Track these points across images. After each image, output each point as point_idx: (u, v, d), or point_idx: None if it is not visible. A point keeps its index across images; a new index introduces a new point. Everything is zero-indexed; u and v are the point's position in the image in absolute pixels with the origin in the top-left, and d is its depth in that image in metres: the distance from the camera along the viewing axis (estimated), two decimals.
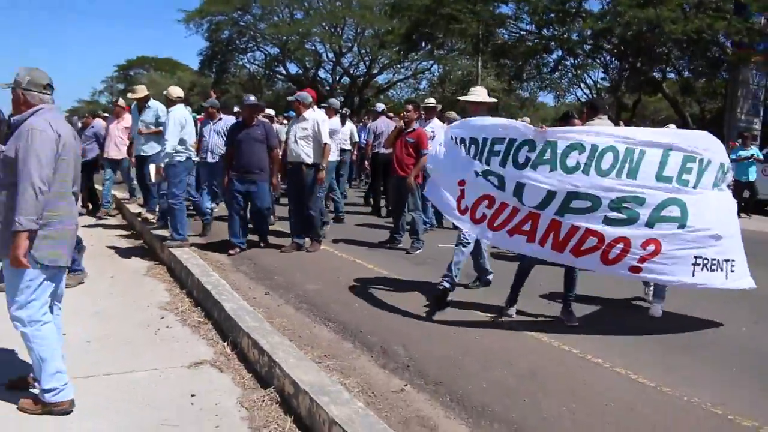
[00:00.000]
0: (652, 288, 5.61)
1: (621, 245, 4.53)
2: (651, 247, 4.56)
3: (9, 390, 3.66)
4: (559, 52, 24.77)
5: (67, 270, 3.69)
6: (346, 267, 6.94)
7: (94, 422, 3.41)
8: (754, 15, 20.05)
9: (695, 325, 5.20)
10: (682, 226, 4.58)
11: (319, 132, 7.30)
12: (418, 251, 7.63)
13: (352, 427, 3.01)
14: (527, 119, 11.83)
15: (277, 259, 7.13)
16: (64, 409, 3.47)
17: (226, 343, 4.60)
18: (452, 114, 8.80)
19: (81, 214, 10.10)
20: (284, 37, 39.15)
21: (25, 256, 3.27)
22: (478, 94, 6.02)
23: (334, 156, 8.71)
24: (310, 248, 7.54)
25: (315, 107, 7.75)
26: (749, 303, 5.66)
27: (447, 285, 5.31)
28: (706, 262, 4.72)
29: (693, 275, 4.68)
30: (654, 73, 24.71)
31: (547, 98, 37.78)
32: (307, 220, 7.50)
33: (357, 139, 13.14)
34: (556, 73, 27.45)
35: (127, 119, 10.38)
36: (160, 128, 8.14)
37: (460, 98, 5.81)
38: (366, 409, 3.28)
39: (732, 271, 4.93)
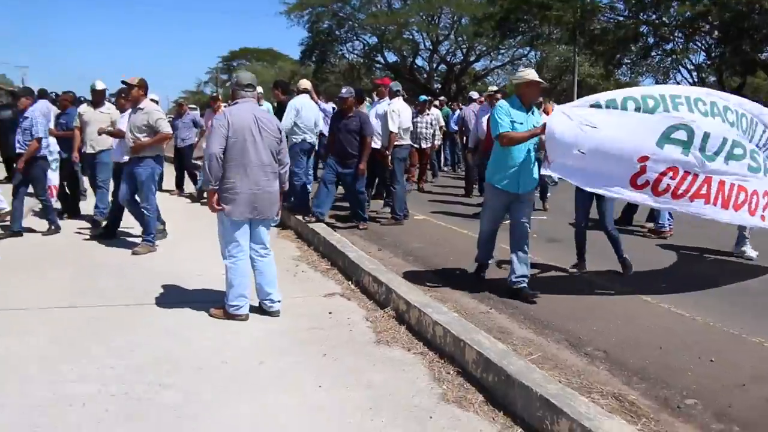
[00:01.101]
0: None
1: (755, 200, 5.50)
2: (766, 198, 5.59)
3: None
4: (652, 39, 24.93)
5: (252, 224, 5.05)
6: (443, 232, 8.23)
7: (268, 324, 4.88)
8: None
9: None
10: None
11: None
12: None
13: (450, 326, 4.30)
14: None
15: (384, 228, 8.48)
16: (241, 318, 4.95)
17: (350, 282, 6.01)
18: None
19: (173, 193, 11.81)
20: (382, 27, 40.61)
21: (217, 208, 4.78)
22: (523, 75, 5.45)
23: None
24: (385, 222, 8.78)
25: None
26: None
27: None
28: None
29: None
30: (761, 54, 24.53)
31: (650, 81, 37.39)
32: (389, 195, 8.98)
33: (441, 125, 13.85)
34: (650, 59, 27.50)
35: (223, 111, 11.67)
36: None
37: (511, 78, 6.17)
38: (460, 317, 4.56)
39: None
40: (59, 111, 9.76)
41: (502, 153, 5.30)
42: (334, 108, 10.73)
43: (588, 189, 5.49)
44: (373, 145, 8.53)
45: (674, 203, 5.36)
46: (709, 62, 28.06)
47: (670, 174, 5.21)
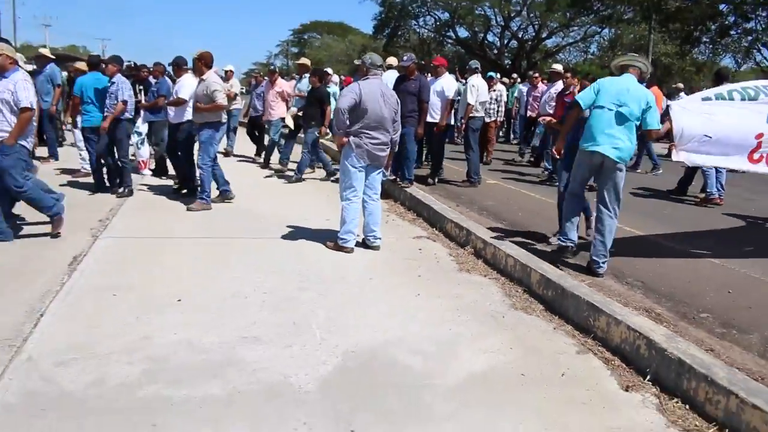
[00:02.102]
0: None
1: None
2: None
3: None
4: (732, 18, 25.06)
5: (361, 171, 6.31)
6: (513, 194, 9.38)
7: (371, 255, 6.19)
8: None
9: None
10: None
11: None
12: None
13: (519, 257, 5.50)
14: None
15: (460, 188, 9.67)
16: (347, 251, 6.24)
17: (434, 228, 7.27)
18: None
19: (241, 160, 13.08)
20: (454, 3, 41.34)
21: (344, 141, 6.13)
22: (626, 57, 6.01)
23: None
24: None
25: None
26: None
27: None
28: None
29: None
30: None
31: (728, 61, 37.02)
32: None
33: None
34: (728, 38, 27.52)
35: (280, 83, 12.09)
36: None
37: (612, 63, 6.42)
38: (527, 252, 5.74)
39: None
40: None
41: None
42: None
43: (715, 166, 6.41)
44: (429, 119, 9.55)
45: None
46: None
47: None
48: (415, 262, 6.03)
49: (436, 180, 10.14)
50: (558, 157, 6.10)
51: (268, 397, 3.34)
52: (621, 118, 5.33)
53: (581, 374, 3.82)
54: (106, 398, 3.24)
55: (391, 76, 10.09)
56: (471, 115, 10.07)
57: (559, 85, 10.81)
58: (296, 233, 6.89)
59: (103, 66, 9.01)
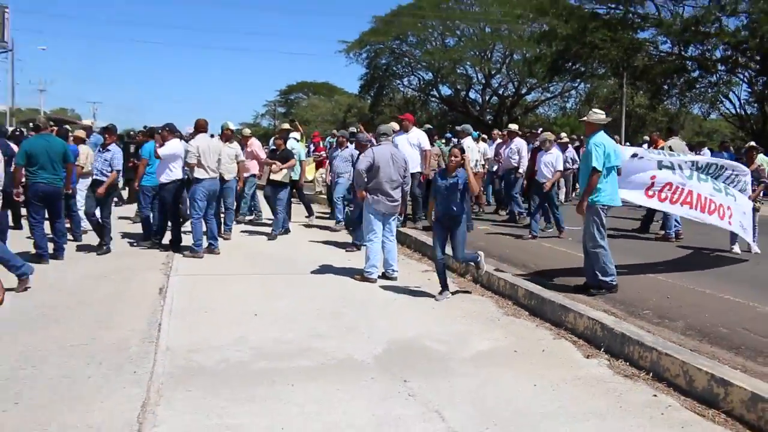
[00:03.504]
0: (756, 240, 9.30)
1: (722, 210, 8.22)
2: (729, 211, 8.28)
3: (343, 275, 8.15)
4: (696, 72, 27.48)
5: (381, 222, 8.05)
6: (501, 236, 11.10)
7: (391, 284, 7.85)
8: None
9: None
10: (736, 203, 8.32)
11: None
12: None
13: (507, 278, 7.18)
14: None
15: None
16: (372, 281, 7.88)
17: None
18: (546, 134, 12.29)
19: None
20: (437, 63, 43.97)
21: (363, 195, 7.80)
22: (597, 115, 7.15)
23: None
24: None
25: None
26: None
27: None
28: (741, 224, 8.41)
29: (741, 230, 8.44)
30: None
31: (695, 110, 39.72)
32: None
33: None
34: (692, 91, 29.95)
35: (251, 144, 12.98)
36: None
37: (584, 119, 7.50)
38: (515, 277, 7.42)
39: (746, 230, 8.58)
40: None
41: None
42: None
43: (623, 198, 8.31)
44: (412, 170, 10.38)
45: (671, 207, 8.28)
46: (750, 93, 30.42)
47: (668, 187, 8.11)
48: (426, 288, 7.70)
49: (419, 221, 11.65)
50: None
51: (342, 366, 4.97)
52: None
53: (556, 350, 5.49)
54: (233, 369, 4.85)
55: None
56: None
57: (516, 142, 12.92)
58: (325, 270, 8.55)
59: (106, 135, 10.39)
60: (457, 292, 7.51)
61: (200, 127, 9.92)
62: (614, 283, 6.94)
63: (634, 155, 8.23)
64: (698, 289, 7.23)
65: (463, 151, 7.07)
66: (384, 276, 8.07)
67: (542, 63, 32.45)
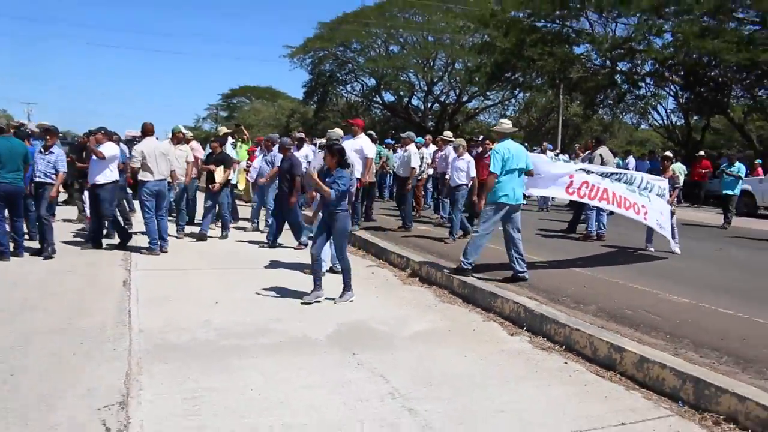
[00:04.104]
0: (675, 240, 10.33)
1: (637, 206, 9.22)
2: (644, 209, 9.28)
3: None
4: (625, 86, 29.12)
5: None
6: (439, 236, 11.96)
7: (339, 277, 8.58)
8: None
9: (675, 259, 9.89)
10: (651, 203, 9.34)
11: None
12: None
13: (444, 271, 8.00)
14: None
15: (397, 232, 12.19)
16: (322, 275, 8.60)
17: (381, 260, 9.76)
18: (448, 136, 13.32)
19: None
20: (381, 70, 44.89)
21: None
22: (504, 126, 8.29)
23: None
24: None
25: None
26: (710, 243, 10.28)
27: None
28: (659, 222, 9.46)
29: (657, 227, 9.45)
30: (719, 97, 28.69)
31: (627, 119, 41.77)
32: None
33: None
34: (622, 104, 31.67)
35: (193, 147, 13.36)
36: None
37: (494, 128, 8.57)
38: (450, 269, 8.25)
39: (664, 229, 9.64)
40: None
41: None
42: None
43: (545, 195, 9.37)
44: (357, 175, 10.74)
45: (590, 201, 9.38)
46: (676, 106, 32.33)
47: (586, 185, 9.05)
48: (370, 280, 8.48)
49: (356, 225, 12.06)
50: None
51: (298, 342, 5.69)
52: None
53: (485, 330, 6.33)
54: (202, 346, 5.50)
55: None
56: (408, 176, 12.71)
57: (448, 149, 13.49)
58: (276, 265, 9.24)
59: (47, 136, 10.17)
60: (400, 281, 8.32)
61: (147, 131, 10.42)
62: (466, 266, 7.94)
63: (554, 160, 9.31)
64: (612, 280, 8.20)
65: (342, 153, 7.38)
66: (331, 270, 8.78)
67: (482, 72, 33.66)
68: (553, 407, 4.45)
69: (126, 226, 11.07)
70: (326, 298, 7.29)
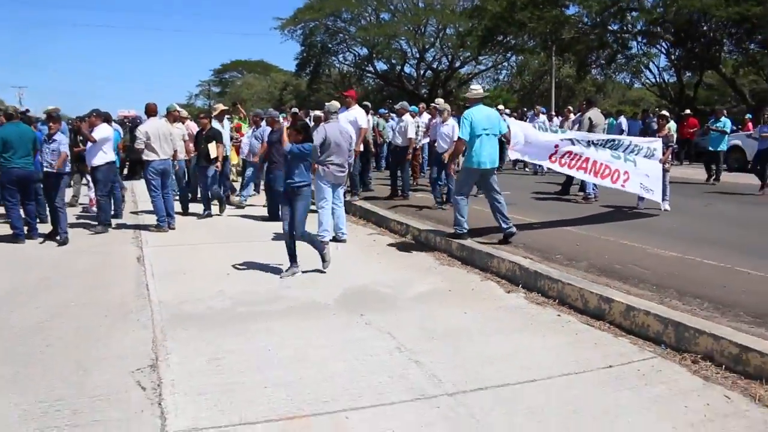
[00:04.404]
0: (666, 199, 10.70)
1: (617, 174, 9.59)
2: (626, 175, 9.63)
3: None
4: (615, 46, 29.30)
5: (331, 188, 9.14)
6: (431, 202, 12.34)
7: (342, 245, 8.97)
8: None
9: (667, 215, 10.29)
10: (636, 168, 9.67)
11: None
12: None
13: (443, 236, 8.40)
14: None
15: (395, 200, 12.57)
16: (326, 243, 8.92)
17: (381, 227, 10.16)
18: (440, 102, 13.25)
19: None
20: (372, 39, 44.86)
21: (316, 168, 8.83)
22: (474, 91, 8.63)
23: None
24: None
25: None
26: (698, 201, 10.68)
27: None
28: (643, 185, 9.80)
29: (643, 190, 9.78)
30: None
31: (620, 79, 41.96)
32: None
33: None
34: (611, 64, 31.86)
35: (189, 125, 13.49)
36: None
37: (465, 95, 8.97)
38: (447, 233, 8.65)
39: (652, 191, 9.97)
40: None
41: None
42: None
43: (527, 160, 9.67)
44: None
45: (568, 171, 9.67)
46: (668, 63, 32.52)
47: (569, 155, 9.37)
48: (372, 247, 8.88)
49: (356, 196, 12.61)
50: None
51: (308, 307, 6.10)
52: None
53: (483, 289, 6.75)
54: (218, 314, 5.91)
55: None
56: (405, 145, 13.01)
57: (445, 117, 13.74)
58: (279, 237, 9.56)
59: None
60: (401, 246, 8.74)
61: (151, 111, 10.76)
62: (461, 232, 8.35)
63: (541, 128, 9.63)
64: (603, 237, 8.60)
65: (306, 129, 7.47)
66: (335, 239, 9.17)
67: (473, 36, 33.77)
68: (547, 354, 4.88)
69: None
70: (317, 270, 7.61)
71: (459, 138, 8.29)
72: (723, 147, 15.65)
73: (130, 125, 18.99)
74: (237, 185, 14.60)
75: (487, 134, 8.20)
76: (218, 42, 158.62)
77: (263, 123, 12.26)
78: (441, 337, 5.25)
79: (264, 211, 11.82)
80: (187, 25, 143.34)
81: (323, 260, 7.58)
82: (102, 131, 10.27)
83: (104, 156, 10.30)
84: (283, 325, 5.57)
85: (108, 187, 10.53)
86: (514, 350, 4.96)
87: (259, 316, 5.84)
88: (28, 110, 13.61)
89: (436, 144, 12.28)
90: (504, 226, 8.27)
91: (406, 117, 13.28)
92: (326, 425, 3.76)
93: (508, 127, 9.06)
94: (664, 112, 12.81)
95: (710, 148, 15.89)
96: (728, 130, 15.81)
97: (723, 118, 15.60)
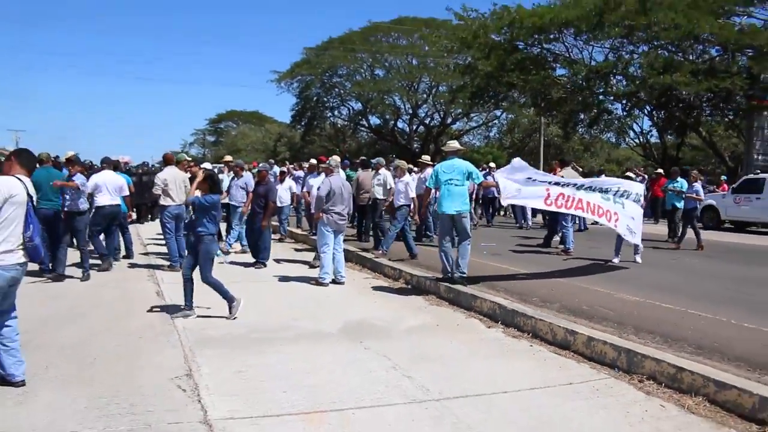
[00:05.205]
0: (638, 252, 11.77)
1: (609, 214, 10.60)
2: (616, 216, 10.67)
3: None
4: (595, 111, 30.99)
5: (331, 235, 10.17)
6: (427, 251, 13.36)
7: (341, 287, 9.96)
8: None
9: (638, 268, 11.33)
10: (624, 210, 10.71)
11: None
12: None
13: (430, 279, 9.42)
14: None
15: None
16: (325, 285, 9.94)
17: (376, 272, 11.15)
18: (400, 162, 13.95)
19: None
20: (367, 94, 46.61)
21: (319, 216, 9.90)
22: (450, 145, 10.00)
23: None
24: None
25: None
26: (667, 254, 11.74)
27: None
28: (629, 228, 10.85)
29: (628, 232, 10.82)
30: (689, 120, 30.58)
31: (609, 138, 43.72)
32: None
33: None
34: (593, 127, 33.52)
35: None
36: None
37: (442, 148, 10.42)
38: (438, 279, 9.66)
39: (635, 234, 11.03)
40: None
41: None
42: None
43: (524, 205, 10.62)
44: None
45: (567, 210, 10.64)
46: (651, 126, 34.20)
47: (562, 197, 10.33)
48: (368, 289, 9.90)
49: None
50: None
51: (314, 335, 7.08)
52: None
53: (466, 324, 7.76)
54: (237, 339, 6.87)
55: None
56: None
57: (427, 172, 14.19)
58: (285, 279, 10.62)
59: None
60: (394, 289, 9.75)
61: (169, 160, 11.91)
62: (448, 276, 9.38)
63: (529, 178, 10.59)
64: (576, 284, 9.65)
65: (213, 179, 7.97)
66: (334, 281, 10.15)
67: (464, 93, 35.40)
68: (518, 374, 5.87)
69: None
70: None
71: (426, 187, 9.69)
72: (680, 204, 15.87)
73: (140, 172, 20.16)
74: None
75: (452, 183, 9.26)
76: (214, 93, 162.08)
77: (245, 173, 13.58)
78: (429, 360, 6.22)
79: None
80: (184, 74, 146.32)
81: (229, 310, 7.72)
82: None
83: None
84: (294, 347, 6.54)
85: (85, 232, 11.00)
86: (490, 371, 5.95)
87: (273, 340, 6.81)
88: (57, 156, 14.70)
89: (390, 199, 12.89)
90: (457, 269, 9.28)
91: (383, 171, 13.70)
92: (336, 419, 4.71)
93: (496, 180, 10.15)
94: (660, 171, 13.86)
95: (669, 205, 16.41)
96: (684, 189, 16.28)
97: (679, 179, 16.23)
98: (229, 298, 7.77)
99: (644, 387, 5.52)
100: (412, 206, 12.49)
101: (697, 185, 15.29)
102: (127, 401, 4.89)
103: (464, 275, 9.29)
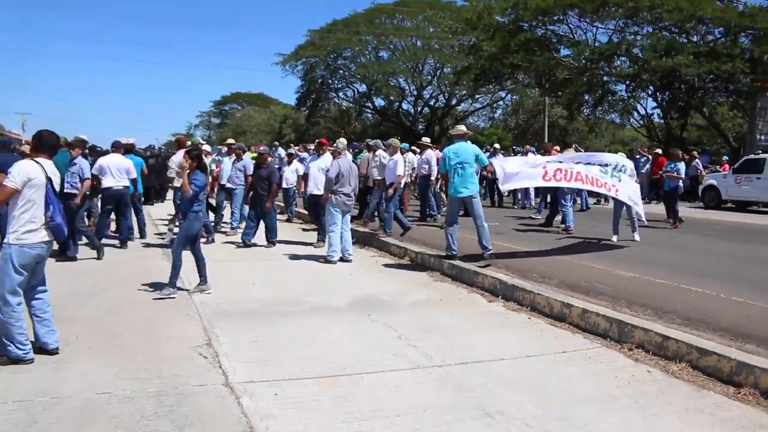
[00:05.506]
0: (637, 230, 12.16)
1: (607, 185, 10.97)
2: (615, 187, 11.04)
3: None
4: (599, 92, 31.18)
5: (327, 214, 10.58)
6: (430, 231, 13.75)
7: (348, 265, 10.38)
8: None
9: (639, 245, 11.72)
10: (621, 183, 11.11)
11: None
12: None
13: (434, 256, 9.83)
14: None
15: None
16: (333, 262, 10.36)
17: (382, 251, 11.56)
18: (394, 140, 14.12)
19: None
20: (371, 76, 46.80)
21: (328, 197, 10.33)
22: (457, 129, 10.30)
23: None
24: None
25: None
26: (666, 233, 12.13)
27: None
28: (631, 198, 11.26)
29: (630, 201, 11.24)
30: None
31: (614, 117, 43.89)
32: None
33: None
34: (597, 108, 33.72)
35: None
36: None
37: (450, 132, 10.56)
38: (440, 254, 10.07)
39: (638, 205, 11.46)
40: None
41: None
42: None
43: (525, 186, 11.04)
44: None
45: (567, 183, 10.91)
46: (656, 106, 34.40)
47: (559, 171, 10.65)
48: (375, 267, 10.31)
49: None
50: None
51: (325, 308, 7.51)
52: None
53: (468, 299, 8.18)
54: (252, 312, 7.30)
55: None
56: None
57: (427, 153, 14.95)
58: (295, 257, 11.03)
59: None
60: (399, 266, 10.17)
61: (181, 144, 12.35)
62: (452, 254, 9.74)
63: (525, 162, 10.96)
64: (575, 261, 10.04)
65: (199, 158, 8.44)
66: (342, 259, 10.57)
67: (469, 75, 35.62)
68: (516, 343, 6.29)
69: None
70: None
71: (441, 173, 10.01)
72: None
73: (147, 155, 20.56)
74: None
75: (461, 166, 9.60)
76: (219, 76, 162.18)
77: (244, 155, 13.90)
78: (433, 331, 6.65)
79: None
80: (189, 58, 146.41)
81: (161, 290, 7.99)
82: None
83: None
84: (306, 320, 6.97)
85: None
86: (490, 341, 6.37)
87: (286, 314, 7.24)
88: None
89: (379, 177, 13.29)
90: (484, 248, 9.63)
91: (379, 152, 13.81)
92: (347, 382, 5.14)
93: (491, 163, 10.55)
94: (658, 150, 14.20)
95: (667, 188, 16.57)
96: (682, 174, 16.45)
97: (678, 164, 16.48)
98: (172, 283, 8.05)
99: (633, 355, 5.94)
100: (396, 184, 12.61)
101: (680, 165, 15.54)
102: (155, 367, 5.33)
103: (490, 251, 9.58)
